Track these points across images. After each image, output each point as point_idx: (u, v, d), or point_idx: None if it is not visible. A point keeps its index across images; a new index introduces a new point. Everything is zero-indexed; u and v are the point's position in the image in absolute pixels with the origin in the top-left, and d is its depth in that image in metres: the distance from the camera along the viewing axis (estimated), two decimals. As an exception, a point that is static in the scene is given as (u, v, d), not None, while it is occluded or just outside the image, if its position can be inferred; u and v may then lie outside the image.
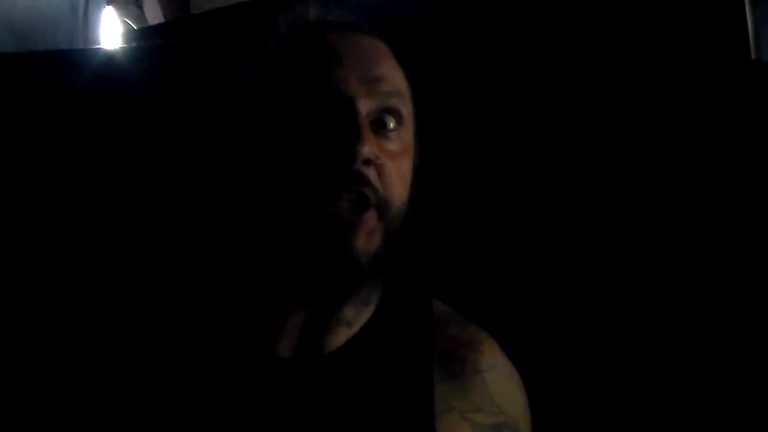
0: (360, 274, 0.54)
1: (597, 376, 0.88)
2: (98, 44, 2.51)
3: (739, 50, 0.92)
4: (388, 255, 0.56)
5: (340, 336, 0.59)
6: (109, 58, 1.06)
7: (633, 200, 0.91)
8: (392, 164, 0.57)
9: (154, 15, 3.61)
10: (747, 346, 0.86)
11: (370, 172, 0.54)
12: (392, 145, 0.58)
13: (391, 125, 0.58)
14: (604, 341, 0.89)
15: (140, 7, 3.27)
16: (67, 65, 1.06)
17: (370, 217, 0.54)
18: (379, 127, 0.58)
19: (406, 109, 0.60)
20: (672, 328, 0.88)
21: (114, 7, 3.05)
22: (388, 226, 0.56)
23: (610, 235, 0.91)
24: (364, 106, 0.55)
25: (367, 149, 0.52)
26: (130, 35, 1.73)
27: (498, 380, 0.62)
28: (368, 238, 0.54)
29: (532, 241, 0.93)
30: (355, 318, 0.60)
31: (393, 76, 0.60)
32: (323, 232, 0.53)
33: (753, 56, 0.94)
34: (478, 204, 0.95)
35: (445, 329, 0.63)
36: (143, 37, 1.39)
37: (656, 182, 0.90)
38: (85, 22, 2.37)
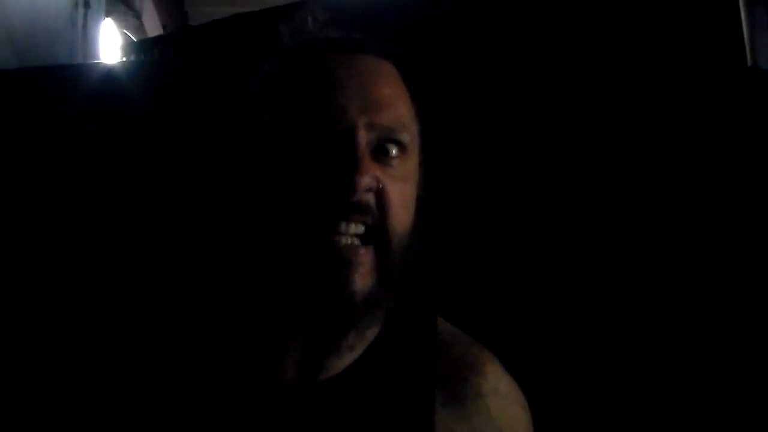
0: (356, 312, 0.53)
1: (601, 394, 0.88)
2: (97, 56, 2.52)
3: (735, 57, 0.93)
4: (387, 289, 0.55)
5: (343, 360, 0.58)
6: (108, 73, 1.06)
7: (629, 209, 0.90)
8: (394, 191, 0.55)
9: (153, 26, 3.64)
10: (747, 346, 0.85)
11: (370, 199, 0.53)
12: (394, 173, 0.56)
13: (394, 152, 0.56)
14: (609, 359, 0.88)
15: (139, 18, 3.29)
16: (67, 81, 1.07)
17: (368, 253, 0.53)
18: (380, 154, 0.56)
19: (410, 135, 0.58)
20: (680, 351, 0.87)
21: (113, 18, 3.07)
22: (387, 258, 0.54)
23: (613, 251, 0.90)
24: (365, 135, 0.54)
25: (366, 180, 0.52)
26: (130, 47, 1.73)
27: (500, 404, 0.61)
28: (365, 275, 0.53)
29: (537, 258, 0.92)
30: (357, 343, 0.59)
31: (396, 102, 0.58)
32: (320, 270, 0.52)
33: (749, 63, 0.95)
34: (482, 220, 0.94)
35: (448, 351, 0.62)
36: (142, 48, 1.39)
37: (652, 188, 0.90)
38: (84, 34, 2.38)
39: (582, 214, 0.93)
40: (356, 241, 0.53)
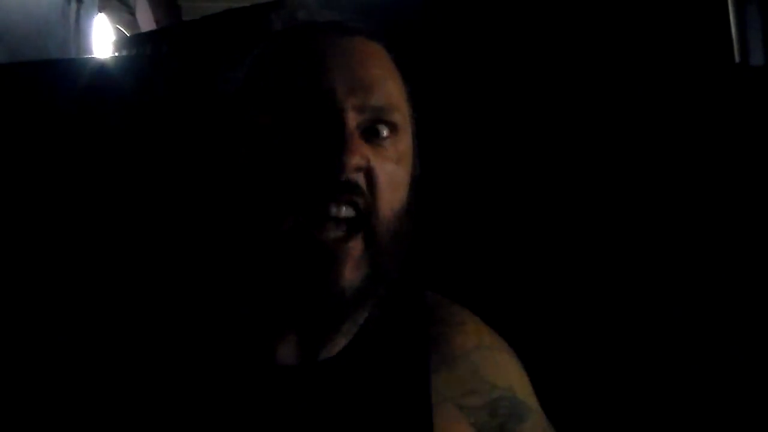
0: (346, 306, 0.53)
1: (595, 373, 0.88)
2: (90, 51, 2.51)
3: (723, 55, 0.93)
4: (378, 278, 0.54)
5: (338, 345, 0.58)
6: (100, 68, 1.06)
7: (619, 204, 0.91)
8: (384, 171, 0.54)
9: (146, 21, 3.62)
10: (747, 346, 0.86)
11: (359, 179, 0.52)
12: (386, 153, 0.55)
13: (385, 133, 0.56)
14: (600, 340, 0.89)
15: (132, 14, 3.28)
16: (59, 75, 1.06)
17: (356, 245, 0.53)
18: (371, 135, 0.55)
19: (401, 116, 0.58)
20: (665, 327, 0.88)
21: (106, 14, 3.06)
22: (377, 244, 0.53)
23: (600, 244, 0.91)
24: (354, 116, 0.53)
25: (355, 160, 0.51)
26: (122, 42, 1.72)
27: (487, 357, 0.62)
28: (354, 269, 0.52)
29: (526, 238, 0.93)
30: (351, 329, 0.59)
31: (386, 83, 0.57)
32: (308, 268, 0.51)
33: (737, 60, 0.96)
34: (474, 202, 0.94)
35: (432, 313, 0.63)
36: (135, 44, 1.39)
37: (643, 185, 0.91)
38: (77, 30, 2.37)
39: (572, 197, 0.93)
40: (343, 234, 0.52)
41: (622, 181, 0.93)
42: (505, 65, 0.98)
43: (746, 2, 1.02)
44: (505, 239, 0.94)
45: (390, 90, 0.57)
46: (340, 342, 0.58)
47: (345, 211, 0.52)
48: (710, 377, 0.87)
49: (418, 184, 0.60)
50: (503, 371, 0.63)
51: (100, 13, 2.83)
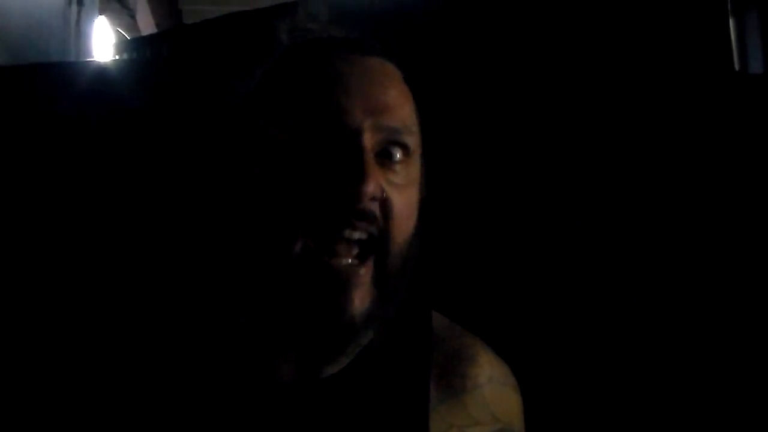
0: (355, 331, 0.53)
1: (592, 389, 0.88)
2: (90, 54, 2.51)
3: (723, 62, 0.94)
4: (386, 302, 0.55)
5: (339, 363, 0.58)
6: (101, 71, 1.06)
7: (619, 210, 0.91)
8: (397, 197, 0.54)
9: (147, 24, 3.63)
10: (747, 346, 0.86)
11: (375, 208, 0.52)
12: (398, 178, 0.55)
13: (398, 156, 0.55)
14: (599, 358, 0.89)
15: (133, 16, 3.28)
16: (60, 78, 1.06)
17: (368, 271, 0.53)
18: (385, 158, 0.54)
19: (414, 139, 0.57)
20: (670, 339, 0.88)
21: (106, 16, 3.06)
22: (387, 268, 0.54)
23: (602, 256, 0.91)
24: (370, 139, 0.53)
25: (372, 188, 0.50)
26: (123, 45, 1.72)
27: (496, 391, 0.63)
28: (365, 295, 0.52)
29: (527, 248, 0.93)
30: (354, 350, 0.58)
31: (401, 105, 0.56)
32: (319, 294, 0.51)
33: (736, 68, 0.96)
34: (479, 221, 0.94)
35: (443, 345, 0.63)
36: (135, 47, 1.39)
37: (644, 192, 0.91)
38: (78, 32, 2.38)
39: (574, 217, 0.94)
40: (356, 260, 0.52)
41: (626, 191, 0.93)
42: (509, 80, 0.98)
43: (746, 11, 1.02)
44: (509, 257, 0.94)
45: (405, 112, 0.57)
46: (342, 361, 0.58)
47: (358, 235, 0.52)
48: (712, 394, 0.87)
49: (424, 206, 0.60)
50: (507, 405, 0.64)
51: (100, 16, 2.83)
